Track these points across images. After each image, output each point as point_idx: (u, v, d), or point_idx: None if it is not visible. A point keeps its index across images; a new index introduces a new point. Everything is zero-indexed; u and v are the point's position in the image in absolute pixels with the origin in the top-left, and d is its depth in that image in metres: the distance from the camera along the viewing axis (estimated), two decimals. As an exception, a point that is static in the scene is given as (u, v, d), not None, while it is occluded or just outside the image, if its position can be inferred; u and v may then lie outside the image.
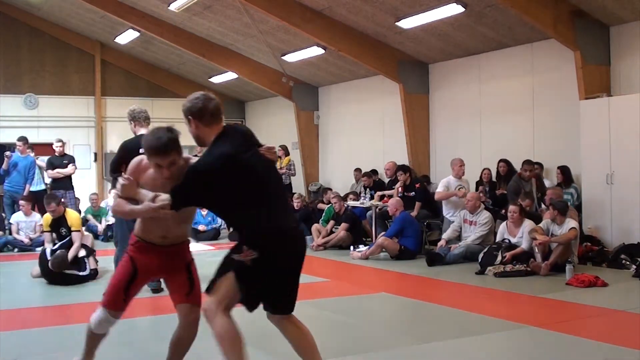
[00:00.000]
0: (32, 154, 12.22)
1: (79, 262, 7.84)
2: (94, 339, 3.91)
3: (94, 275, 8.03)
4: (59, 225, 8.00)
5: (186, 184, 3.35)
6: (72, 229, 7.96)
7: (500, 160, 10.49)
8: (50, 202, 8.00)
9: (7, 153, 11.82)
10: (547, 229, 8.03)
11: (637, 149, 8.56)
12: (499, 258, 8.08)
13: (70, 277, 7.68)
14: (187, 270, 3.82)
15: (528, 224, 8.26)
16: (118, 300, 3.70)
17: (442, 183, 10.15)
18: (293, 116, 15.62)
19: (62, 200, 11.45)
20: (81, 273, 7.76)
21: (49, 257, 7.69)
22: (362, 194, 11.89)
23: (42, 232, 8.37)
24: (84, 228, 9.76)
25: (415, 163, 12.34)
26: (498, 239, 8.68)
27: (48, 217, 8.08)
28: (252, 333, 5.62)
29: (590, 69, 9.36)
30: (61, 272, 7.62)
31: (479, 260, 8.35)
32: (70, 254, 7.76)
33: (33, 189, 11.74)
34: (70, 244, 7.87)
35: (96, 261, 8.20)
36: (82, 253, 7.92)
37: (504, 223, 8.63)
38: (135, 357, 4.90)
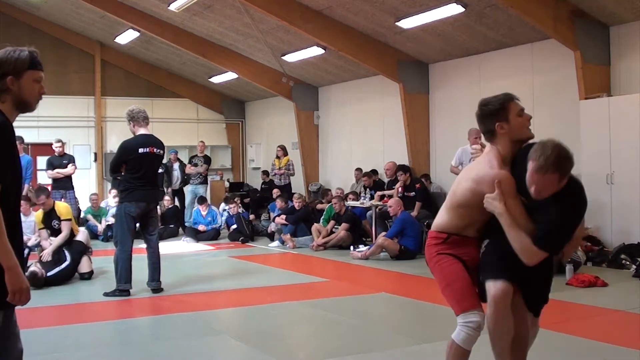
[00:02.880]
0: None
1: (58, 255, 7.83)
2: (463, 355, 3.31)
3: (89, 275, 8.02)
4: (50, 218, 8.04)
5: None
6: (62, 218, 8.01)
7: None
8: (40, 194, 8.02)
9: None
10: None
11: (637, 149, 8.56)
12: None
13: (56, 276, 7.63)
14: None
15: None
16: (473, 297, 3.32)
17: (456, 154, 9.81)
18: (293, 116, 15.62)
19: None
20: (63, 266, 7.73)
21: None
22: (362, 194, 11.90)
23: (39, 229, 8.38)
24: (83, 228, 9.78)
25: (415, 163, 12.35)
26: None
27: (39, 213, 8.13)
28: (252, 333, 5.63)
29: (590, 69, 9.35)
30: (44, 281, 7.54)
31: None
32: (54, 244, 7.80)
33: None
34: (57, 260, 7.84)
35: (91, 261, 8.18)
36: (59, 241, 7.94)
37: None
38: (135, 357, 4.89)
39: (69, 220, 8.09)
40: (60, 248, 7.87)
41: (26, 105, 2.80)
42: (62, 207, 8.19)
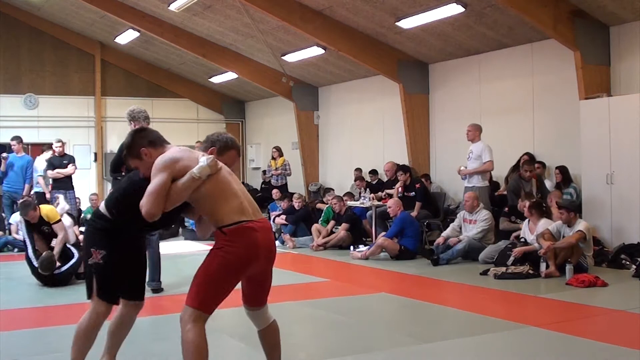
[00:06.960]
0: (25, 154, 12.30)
1: (65, 253, 7.81)
2: None
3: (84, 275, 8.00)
4: (40, 224, 7.94)
5: None
6: (51, 222, 7.92)
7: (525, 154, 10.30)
8: (28, 211, 7.85)
9: (4, 154, 11.86)
10: (557, 232, 7.97)
11: (637, 149, 8.56)
12: (512, 258, 7.98)
13: (62, 274, 7.61)
14: None
15: (542, 223, 8.12)
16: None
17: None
18: (293, 116, 15.62)
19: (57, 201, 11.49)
20: (70, 263, 7.71)
21: (35, 263, 7.61)
22: (362, 194, 11.90)
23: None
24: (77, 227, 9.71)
25: (415, 163, 12.34)
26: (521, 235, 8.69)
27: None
28: (251, 333, 5.62)
29: (590, 69, 9.36)
30: (52, 272, 7.55)
31: (494, 260, 8.31)
32: (57, 247, 7.75)
33: (36, 189, 11.83)
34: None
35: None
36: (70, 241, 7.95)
37: (526, 221, 8.55)
38: (135, 357, 4.89)
39: (59, 221, 7.99)
40: (67, 248, 7.88)
41: None
42: (47, 210, 8.03)
